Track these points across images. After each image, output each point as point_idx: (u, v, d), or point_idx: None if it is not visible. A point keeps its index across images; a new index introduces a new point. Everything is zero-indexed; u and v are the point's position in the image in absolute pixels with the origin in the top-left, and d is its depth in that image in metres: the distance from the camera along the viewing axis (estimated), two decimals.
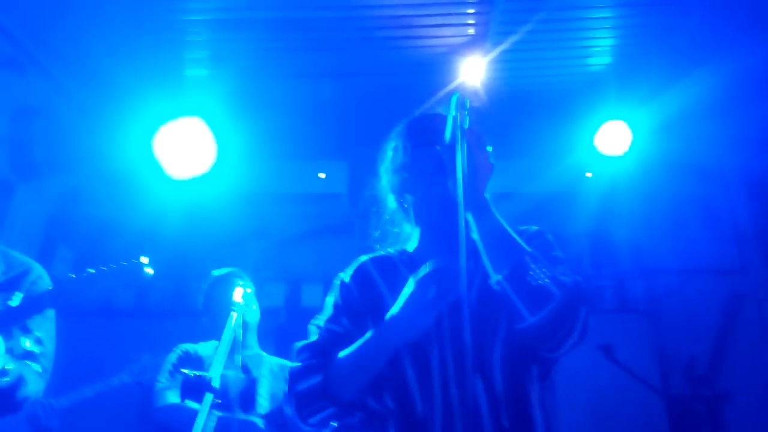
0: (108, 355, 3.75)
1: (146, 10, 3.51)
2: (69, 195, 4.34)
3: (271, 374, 2.75)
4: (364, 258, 1.59)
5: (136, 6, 3.48)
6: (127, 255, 2.62)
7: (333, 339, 1.45)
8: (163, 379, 2.64)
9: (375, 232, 1.68)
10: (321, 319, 1.51)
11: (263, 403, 2.61)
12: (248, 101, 4.25)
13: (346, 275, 1.56)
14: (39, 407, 2.37)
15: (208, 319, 2.84)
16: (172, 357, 2.74)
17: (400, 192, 1.57)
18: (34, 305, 2.11)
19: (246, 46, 3.87)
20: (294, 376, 1.43)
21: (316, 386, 1.37)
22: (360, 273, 1.54)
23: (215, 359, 1.92)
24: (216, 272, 2.90)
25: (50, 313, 2.23)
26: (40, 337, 2.20)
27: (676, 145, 4.24)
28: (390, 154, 1.62)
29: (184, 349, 2.76)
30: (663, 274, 4.49)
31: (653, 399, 3.86)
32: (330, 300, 1.54)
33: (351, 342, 1.42)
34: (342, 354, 1.38)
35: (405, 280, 1.41)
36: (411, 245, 1.58)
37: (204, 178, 4.23)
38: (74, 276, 2.11)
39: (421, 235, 1.56)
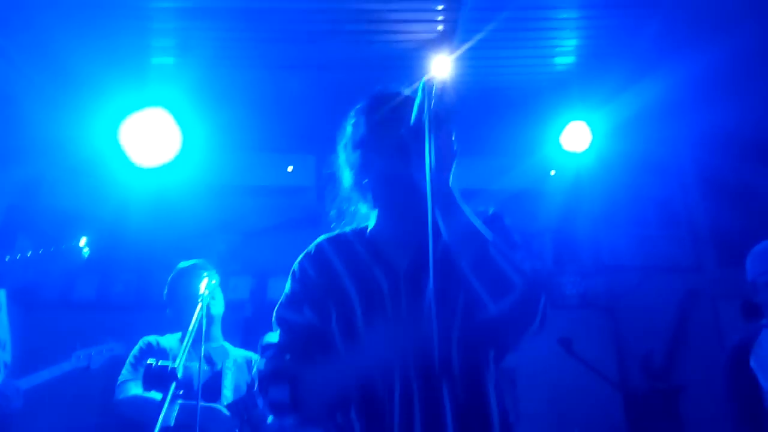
0: (70, 348, 3.70)
1: None
2: (29, 184, 4.24)
3: (236, 366, 2.74)
4: (320, 239, 1.56)
5: None
6: (90, 252, 2.61)
7: (297, 332, 1.42)
8: (125, 372, 2.62)
9: (331, 211, 1.64)
10: (282, 308, 1.48)
11: (227, 394, 2.60)
12: (215, 91, 4.21)
13: (303, 258, 1.53)
14: (6, 388, 2.34)
15: (171, 310, 2.82)
16: (135, 349, 2.72)
17: (358, 170, 1.52)
18: None
19: (213, 35, 3.83)
20: (263, 380, 1.38)
21: (285, 399, 1.33)
22: (317, 255, 1.51)
23: (180, 350, 1.91)
24: (182, 264, 2.88)
25: None
26: None
27: (635, 145, 4.34)
28: (349, 130, 1.58)
29: (147, 342, 2.74)
30: (622, 271, 4.60)
31: (611, 392, 3.96)
32: (289, 285, 1.51)
33: (313, 333, 1.40)
34: (310, 374, 1.34)
35: (362, 260, 1.46)
36: (369, 225, 1.55)
37: (169, 168, 4.18)
38: (8, 258, 2.09)
39: (379, 215, 1.53)
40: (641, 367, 4.28)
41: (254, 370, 1.44)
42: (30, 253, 2.10)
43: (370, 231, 1.53)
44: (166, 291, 2.86)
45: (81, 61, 3.94)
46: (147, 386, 1.80)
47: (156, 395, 2.22)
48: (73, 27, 3.67)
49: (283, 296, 1.50)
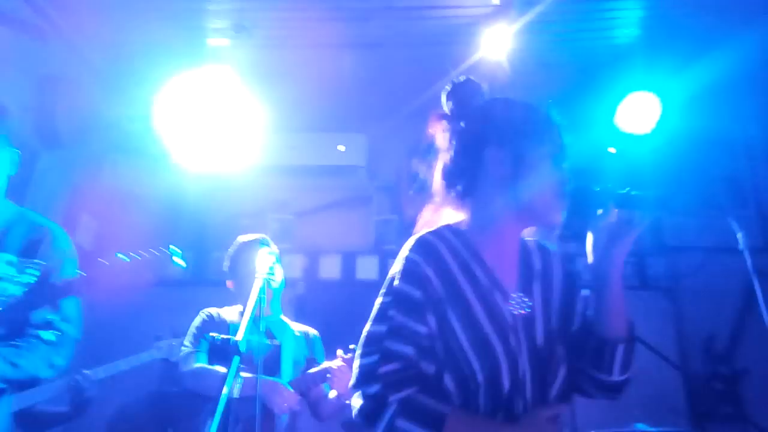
0: (130, 324, 3.82)
1: None
2: (91, 164, 4.37)
3: (294, 340, 2.77)
4: (429, 237, 1.40)
5: None
6: (142, 228, 2.65)
7: (423, 346, 1.30)
8: (188, 343, 2.65)
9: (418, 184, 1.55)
10: (404, 317, 1.31)
11: (287, 369, 2.64)
12: (269, 71, 4.24)
13: (421, 259, 1.35)
14: (81, 378, 2.42)
15: (232, 283, 2.85)
16: (197, 321, 2.75)
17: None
18: (62, 290, 2.16)
19: (267, 15, 3.84)
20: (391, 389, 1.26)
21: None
22: (435, 258, 1.36)
23: (241, 325, 1.93)
24: (243, 237, 2.91)
25: None
26: (59, 302, 2.25)
27: (702, 121, 4.17)
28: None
29: (208, 314, 2.77)
30: (684, 251, 4.44)
31: (672, 376, 3.86)
32: (405, 287, 1.33)
33: (434, 343, 1.31)
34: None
35: (481, 280, 1.38)
36: (466, 229, 1.44)
37: (223, 149, 4.23)
38: (107, 263, 2.14)
39: (488, 230, 1.43)
40: (703, 351, 4.16)
41: (376, 388, 1.27)
42: (128, 258, 2.15)
43: (474, 242, 1.42)
44: (227, 264, 2.89)
45: (138, 44, 4.02)
46: (212, 359, 1.84)
47: (219, 368, 2.27)
48: (131, 10, 3.73)
49: (397, 297, 1.33)
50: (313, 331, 2.91)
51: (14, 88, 3.65)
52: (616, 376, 1.37)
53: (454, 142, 1.47)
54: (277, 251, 2.67)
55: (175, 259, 2.19)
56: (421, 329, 1.29)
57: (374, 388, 1.25)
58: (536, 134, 1.43)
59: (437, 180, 1.50)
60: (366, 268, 4.62)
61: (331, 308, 4.20)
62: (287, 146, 4.73)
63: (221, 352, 1.82)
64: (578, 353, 1.41)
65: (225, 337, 1.83)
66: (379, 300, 1.37)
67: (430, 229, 1.43)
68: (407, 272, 1.34)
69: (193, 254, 4.65)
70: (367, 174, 4.87)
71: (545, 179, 1.39)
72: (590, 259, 1.40)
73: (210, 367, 2.46)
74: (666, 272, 4.37)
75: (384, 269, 4.56)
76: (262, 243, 2.79)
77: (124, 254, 2.19)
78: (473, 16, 3.76)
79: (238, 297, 2.80)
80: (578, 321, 1.46)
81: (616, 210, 1.36)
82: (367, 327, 1.35)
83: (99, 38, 4.02)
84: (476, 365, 1.28)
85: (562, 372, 1.39)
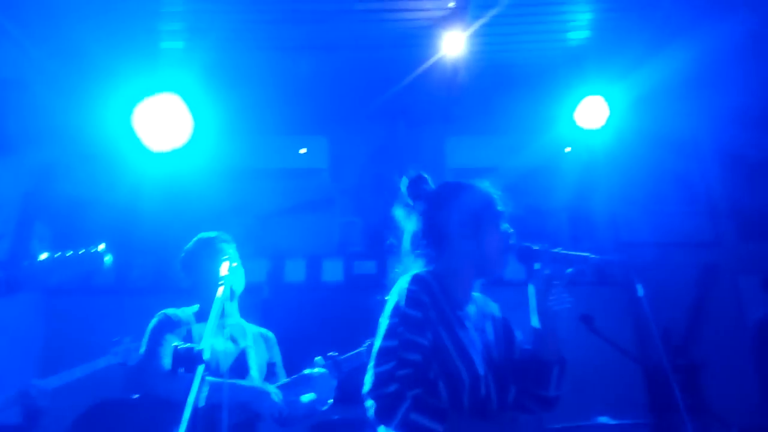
0: (89, 332, 3.71)
1: None
2: (44, 170, 4.25)
3: (255, 343, 2.72)
4: (421, 275, 1.77)
5: None
6: (99, 235, 2.55)
7: (425, 354, 1.65)
8: (147, 348, 2.55)
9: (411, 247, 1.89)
10: (409, 332, 1.65)
11: (254, 374, 2.59)
12: (226, 74, 4.19)
13: (417, 288, 1.72)
14: (31, 388, 2.32)
15: (188, 280, 2.74)
16: (154, 322, 2.64)
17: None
18: None
19: (223, 18, 3.81)
20: (408, 405, 1.57)
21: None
22: (427, 287, 1.74)
23: (205, 332, 1.89)
24: (202, 235, 2.81)
25: None
26: None
27: (652, 120, 4.28)
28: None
29: (165, 314, 2.66)
30: (640, 247, 4.56)
31: (631, 368, 3.94)
32: (408, 310, 1.69)
33: (432, 353, 1.67)
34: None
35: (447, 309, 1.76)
36: (440, 275, 1.80)
37: (182, 153, 4.17)
38: (27, 263, 2.06)
39: (454, 277, 1.81)
40: (661, 344, 4.26)
41: (391, 388, 1.58)
42: (48, 256, 2.06)
43: (445, 284, 1.80)
44: (184, 260, 2.77)
45: (91, 47, 3.93)
46: (175, 367, 1.79)
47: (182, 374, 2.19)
48: (82, 12, 3.65)
49: (403, 318, 1.68)
50: (269, 333, 2.85)
51: None
52: (553, 392, 1.78)
53: (422, 219, 1.88)
54: (236, 250, 2.62)
55: (105, 257, 2.13)
56: (424, 342, 1.66)
57: (392, 387, 1.57)
58: (486, 208, 1.84)
59: (407, 246, 1.90)
60: (331, 271, 4.61)
61: (297, 312, 4.19)
62: (247, 149, 4.69)
63: (184, 361, 1.79)
64: (522, 376, 1.79)
65: (188, 345, 1.80)
66: (386, 322, 1.70)
67: (417, 271, 1.80)
68: (410, 299, 1.71)
69: (153, 260, 4.56)
70: (329, 176, 4.86)
71: (495, 241, 1.81)
72: (531, 302, 1.78)
73: (172, 373, 2.37)
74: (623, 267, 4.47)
75: (349, 271, 4.56)
76: (223, 241, 2.73)
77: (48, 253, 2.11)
78: (429, 18, 3.79)
79: (194, 296, 2.72)
80: (517, 352, 1.87)
81: (549, 263, 1.78)
82: (378, 344, 1.68)
83: (50, 41, 3.92)
84: (463, 371, 1.67)
85: (512, 389, 1.76)
